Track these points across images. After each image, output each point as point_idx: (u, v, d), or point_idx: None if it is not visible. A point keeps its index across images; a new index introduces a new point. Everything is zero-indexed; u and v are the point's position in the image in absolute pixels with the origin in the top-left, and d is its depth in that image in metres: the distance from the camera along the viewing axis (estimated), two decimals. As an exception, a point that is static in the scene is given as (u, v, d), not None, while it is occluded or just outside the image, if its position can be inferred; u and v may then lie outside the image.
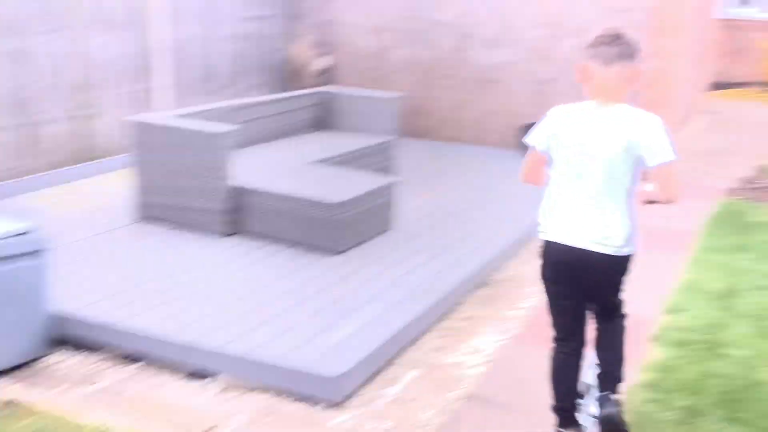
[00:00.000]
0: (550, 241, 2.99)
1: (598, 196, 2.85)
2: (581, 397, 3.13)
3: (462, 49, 8.80)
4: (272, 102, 7.20)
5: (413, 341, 4.33)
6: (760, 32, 14.77)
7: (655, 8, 7.95)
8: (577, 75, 2.93)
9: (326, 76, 9.49)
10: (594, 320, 3.08)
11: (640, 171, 2.86)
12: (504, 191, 7.06)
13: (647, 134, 2.79)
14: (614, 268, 2.91)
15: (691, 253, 5.90)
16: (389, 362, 4.09)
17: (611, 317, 3.06)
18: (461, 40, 8.78)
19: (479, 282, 5.21)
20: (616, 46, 2.87)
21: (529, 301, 5.01)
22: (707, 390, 3.77)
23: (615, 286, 3.01)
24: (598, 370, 3.03)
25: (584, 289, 2.97)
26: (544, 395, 3.20)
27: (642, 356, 4.05)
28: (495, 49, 8.64)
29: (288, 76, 9.59)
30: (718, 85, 14.94)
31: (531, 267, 5.68)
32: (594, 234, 2.86)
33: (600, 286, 2.99)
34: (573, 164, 2.89)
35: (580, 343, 3.07)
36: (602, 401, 2.93)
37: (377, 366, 3.98)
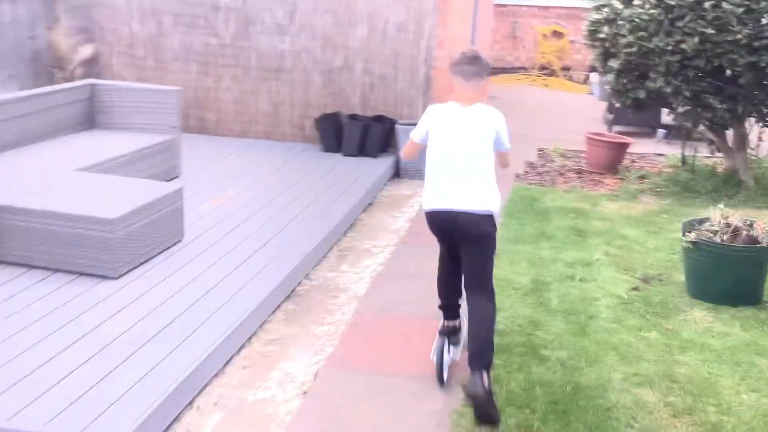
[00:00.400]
0: (433, 212, 3.71)
1: (466, 171, 3.65)
2: (460, 296, 3.88)
3: (246, 37, 8.16)
4: (27, 98, 6.13)
5: (214, 376, 3.74)
6: (534, 18, 15.50)
7: (442, -6, 7.85)
8: (446, 86, 3.84)
9: (92, 66, 8.42)
10: (466, 291, 3.74)
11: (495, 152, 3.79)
12: (303, 189, 6.59)
13: (502, 127, 3.80)
14: (484, 226, 3.65)
15: (496, 245, 5.81)
16: (188, 406, 3.47)
17: (481, 289, 3.65)
18: (245, 26, 8.13)
19: (284, 295, 4.70)
20: (475, 66, 3.72)
21: (340, 312, 4.59)
22: (536, 401, 3.55)
23: (485, 248, 3.70)
24: (471, 344, 3.56)
25: (456, 244, 3.73)
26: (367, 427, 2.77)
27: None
28: (282, 36, 8.09)
29: (46, 67, 8.38)
30: (496, 71, 15.52)
31: (339, 272, 5.39)
32: (467, 198, 3.63)
33: (470, 244, 3.66)
34: (448, 149, 3.68)
35: (452, 270, 3.87)
36: (471, 380, 3.38)
37: (172, 415, 3.34)
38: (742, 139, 7.19)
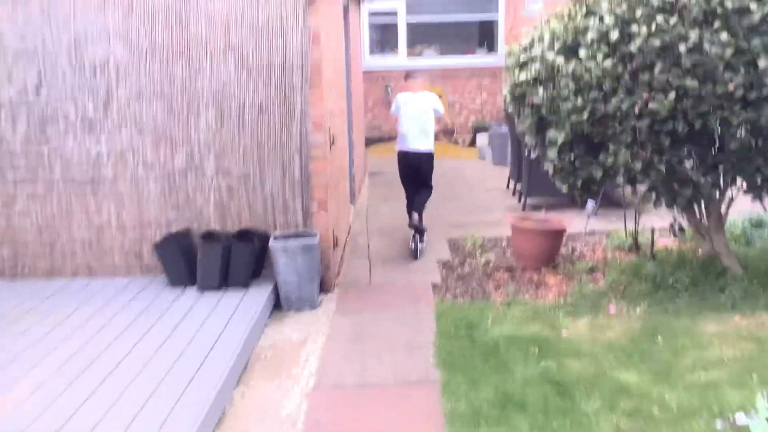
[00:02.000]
0: (402, 151, 7.49)
1: (422, 127, 7.34)
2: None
3: (43, 140, 5.85)
4: None
5: None
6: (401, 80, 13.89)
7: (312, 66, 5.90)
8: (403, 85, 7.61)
9: None
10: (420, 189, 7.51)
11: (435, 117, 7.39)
12: (135, 370, 4.30)
13: (436, 102, 7.52)
14: (428, 158, 7.49)
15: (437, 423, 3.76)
16: None
17: (426, 186, 7.62)
18: (41, 125, 5.82)
19: None
20: (418, 72, 7.90)
21: None
22: None
23: (429, 169, 7.58)
24: (416, 204, 7.41)
25: (415, 170, 7.49)
26: None
27: None
28: (95, 135, 5.85)
29: None
30: (372, 141, 13.74)
31: None
32: (421, 143, 7.38)
33: (422, 169, 7.51)
34: (410, 115, 7.35)
35: (415, 192, 7.53)
36: (413, 217, 7.26)
37: None
38: (719, 217, 5.56)
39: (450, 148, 13.52)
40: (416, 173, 7.43)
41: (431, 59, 14.08)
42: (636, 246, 6.68)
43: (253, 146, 5.86)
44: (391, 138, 13.98)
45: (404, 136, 7.36)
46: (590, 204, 7.55)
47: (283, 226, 5.97)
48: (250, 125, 5.83)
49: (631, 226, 7.02)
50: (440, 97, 14.06)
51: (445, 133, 13.87)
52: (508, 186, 10.05)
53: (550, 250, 6.64)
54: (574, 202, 8.74)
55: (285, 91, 5.78)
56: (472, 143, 13.66)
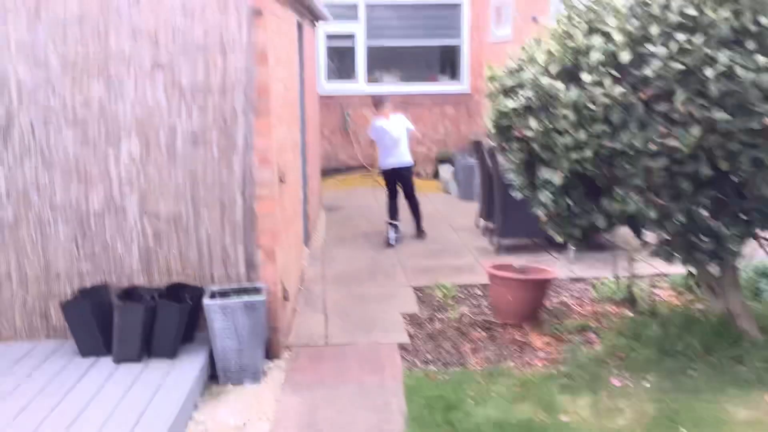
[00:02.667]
0: (392, 168, 8.72)
1: (404, 145, 8.67)
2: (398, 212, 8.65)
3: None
4: None
5: None
6: (367, 107, 13.04)
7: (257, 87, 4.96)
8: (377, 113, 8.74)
9: None
10: (406, 201, 8.82)
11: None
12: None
13: (407, 122, 8.84)
14: (410, 170, 8.84)
15: None
16: None
17: (411, 198, 8.88)
18: None
19: None
20: (386, 98, 8.91)
21: None
22: None
23: (411, 179, 8.89)
24: (415, 219, 8.87)
25: (404, 181, 8.83)
26: None
27: None
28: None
29: None
30: (328, 172, 12.82)
31: None
32: (406, 158, 8.72)
33: (409, 179, 8.84)
34: (393, 137, 8.61)
35: (397, 198, 8.75)
36: (418, 231, 8.80)
37: None
38: (735, 272, 4.76)
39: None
40: (405, 184, 8.82)
41: (392, 86, 13.26)
42: (631, 299, 5.84)
43: (185, 183, 4.88)
44: (349, 168, 13.11)
45: (392, 155, 8.64)
46: (572, 251, 6.73)
47: (222, 279, 4.99)
48: (183, 158, 4.85)
49: (620, 272, 6.20)
50: (402, 126, 13.21)
51: (407, 164, 13.00)
52: (477, 225, 9.20)
53: (533, 304, 5.76)
54: (552, 244, 7.92)
55: (225, 119, 4.82)
56: (435, 175, 12.83)
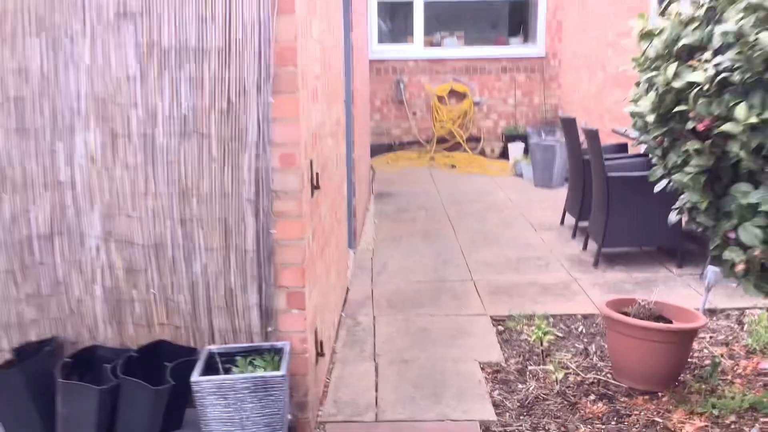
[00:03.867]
0: None
1: None
2: None
3: None
4: None
5: None
6: (424, 74, 11.28)
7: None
8: None
9: None
10: None
11: None
12: None
13: None
14: None
15: None
16: None
17: None
18: None
19: None
20: None
21: None
22: None
23: None
24: None
25: None
26: None
27: None
28: None
29: None
30: (378, 148, 11.14)
31: None
32: None
33: None
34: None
35: None
36: None
37: None
38: None
39: (475, 159, 10.91)
40: None
41: (454, 49, 11.43)
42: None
43: (171, 194, 3.25)
44: (403, 144, 11.43)
45: None
46: (712, 272, 4.96)
47: (225, 334, 3.38)
48: (166, 157, 3.22)
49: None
50: (465, 96, 11.52)
51: (469, 140, 11.26)
52: (563, 221, 7.43)
53: (674, 363, 4.03)
54: (671, 255, 6.13)
55: (229, 97, 3.17)
56: (503, 154, 11.04)
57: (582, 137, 6.75)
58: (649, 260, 6.15)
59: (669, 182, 2.98)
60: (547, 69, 11.19)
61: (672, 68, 2.66)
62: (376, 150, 10.95)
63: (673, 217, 3.01)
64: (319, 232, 3.92)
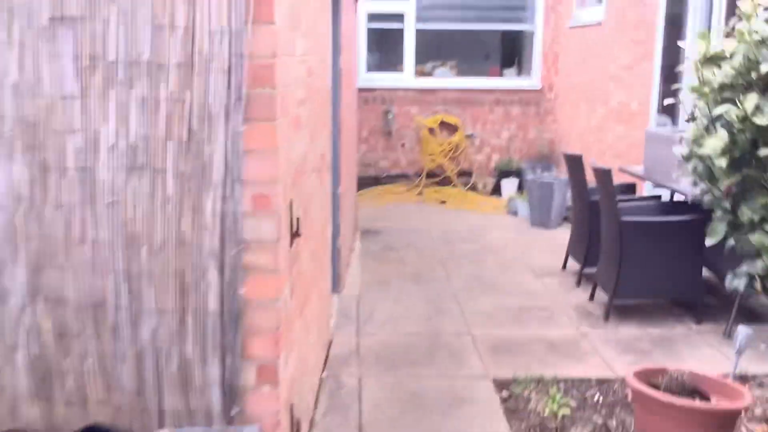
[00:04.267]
0: None
1: None
2: None
3: None
4: None
5: None
6: (414, 105, 10.73)
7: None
8: None
9: None
10: None
11: None
12: None
13: None
14: None
15: None
16: None
17: None
18: None
19: None
20: None
21: None
22: None
23: None
24: None
25: None
26: None
27: None
28: None
29: None
30: (366, 181, 10.55)
31: None
32: None
33: None
34: None
35: None
36: None
37: None
38: None
39: (466, 195, 10.33)
40: None
41: (445, 79, 10.93)
42: None
43: (114, 242, 2.62)
44: (391, 177, 10.85)
45: None
46: (743, 333, 4.37)
47: (179, 417, 2.72)
48: (109, 196, 2.59)
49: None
50: (456, 129, 10.99)
51: (460, 174, 10.71)
52: (565, 266, 6.84)
53: (713, 448, 3.42)
54: (690, 309, 5.55)
55: (190, 125, 2.55)
56: (496, 190, 10.48)
57: (585, 175, 6.20)
58: (665, 314, 5.56)
59: (731, 241, 2.39)
60: (542, 102, 10.70)
61: (752, 100, 2.09)
62: (363, 183, 10.36)
63: (737, 284, 2.43)
64: (300, 288, 3.29)
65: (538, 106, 10.71)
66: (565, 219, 8.74)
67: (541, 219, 8.57)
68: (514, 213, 9.25)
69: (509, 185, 10.20)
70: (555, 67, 10.59)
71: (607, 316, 5.47)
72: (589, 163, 5.87)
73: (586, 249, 6.24)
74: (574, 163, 6.31)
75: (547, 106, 10.70)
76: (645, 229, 5.33)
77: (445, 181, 10.67)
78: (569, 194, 8.68)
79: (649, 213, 5.68)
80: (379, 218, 9.08)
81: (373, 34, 10.91)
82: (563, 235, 8.13)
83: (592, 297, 5.92)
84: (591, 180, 6.26)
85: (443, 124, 10.69)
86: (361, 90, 10.17)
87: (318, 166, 4.07)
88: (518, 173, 10.29)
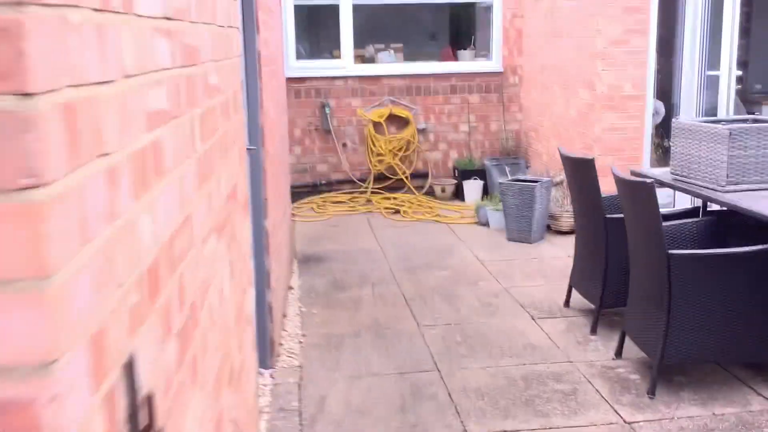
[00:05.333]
0: None
1: None
2: None
3: None
4: None
5: None
6: (356, 97, 9.01)
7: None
8: None
9: None
10: None
11: None
12: None
13: None
14: None
15: None
16: None
17: None
18: None
19: None
20: None
21: None
22: None
23: None
24: None
25: None
26: None
27: None
28: None
29: None
30: (299, 191, 8.83)
31: None
32: None
33: None
34: None
35: None
36: None
37: None
38: None
39: (423, 202, 8.71)
40: None
41: (391, 65, 9.25)
42: None
43: None
44: (331, 184, 9.14)
45: None
46: None
47: None
48: None
49: None
50: (407, 123, 9.32)
51: (414, 176, 9.07)
52: (568, 302, 5.27)
53: None
54: (755, 369, 4.01)
55: None
56: (457, 194, 8.88)
57: (597, 184, 4.63)
58: (729, 381, 4.03)
59: None
60: (505, 87, 9.13)
61: None
62: (298, 193, 8.64)
63: None
64: None
65: (501, 92, 9.13)
66: (548, 229, 7.20)
67: (519, 232, 6.99)
68: (485, 223, 7.66)
69: (472, 188, 8.61)
70: (518, 47, 9.04)
71: (652, 390, 3.90)
72: (611, 170, 4.28)
73: (602, 285, 4.67)
74: (582, 168, 4.73)
75: (510, 93, 9.14)
76: (703, 264, 3.77)
77: (398, 186, 9.02)
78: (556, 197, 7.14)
79: (699, 239, 4.14)
80: (322, 238, 7.37)
81: (301, 12, 9.15)
82: (550, 251, 6.61)
83: (618, 353, 4.36)
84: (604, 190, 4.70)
85: (391, 118, 9.02)
86: (290, 80, 8.43)
87: (221, 221, 2.32)
88: (481, 173, 8.72)
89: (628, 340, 4.30)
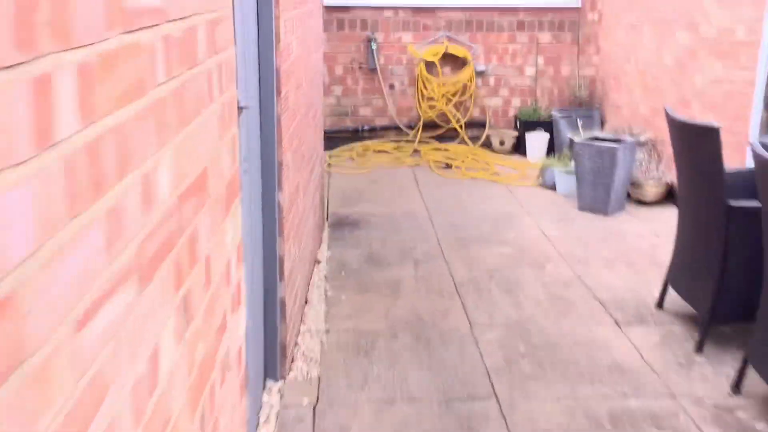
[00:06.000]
0: None
1: None
2: None
3: None
4: None
5: None
6: (408, 30, 7.83)
7: None
8: None
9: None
10: None
11: None
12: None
13: None
14: None
15: None
16: None
17: None
18: None
19: None
20: None
21: None
22: None
23: None
24: None
25: None
26: None
27: None
28: None
29: None
30: (336, 137, 7.78)
31: None
32: None
33: None
34: None
35: None
36: None
37: None
38: None
39: (479, 155, 7.58)
40: None
41: (449, -6, 8.02)
42: None
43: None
44: (373, 130, 8.09)
45: None
46: None
47: None
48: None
49: None
50: (465, 63, 8.08)
51: (469, 125, 7.93)
52: (661, 302, 4.17)
53: None
54: None
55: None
56: (517, 148, 7.74)
57: (720, 160, 3.48)
58: None
59: None
60: (583, 26, 7.84)
61: None
62: (336, 139, 7.60)
63: None
64: None
65: (577, 31, 7.85)
66: (628, 197, 6.06)
67: (594, 200, 5.86)
68: (551, 186, 6.53)
69: (536, 142, 7.45)
70: (600, -23, 7.71)
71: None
72: (749, 145, 3.14)
73: (714, 291, 3.57)
74: (698, 138, 3.57)
75: (587, 32, 7.85)
76: None
77: (450, 135, 7.90)
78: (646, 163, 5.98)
79: None
80: (359, 196, 6.35)
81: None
82: (632, 227, 5.51)
83: (737, 385, 3.29)
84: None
85: (446, 57, 7.83)
86: (330, 9, 7.30)
87: (154, 250, 1.29)
88: (548, 125, 7.54)
89: (751, 370, 3.23)
